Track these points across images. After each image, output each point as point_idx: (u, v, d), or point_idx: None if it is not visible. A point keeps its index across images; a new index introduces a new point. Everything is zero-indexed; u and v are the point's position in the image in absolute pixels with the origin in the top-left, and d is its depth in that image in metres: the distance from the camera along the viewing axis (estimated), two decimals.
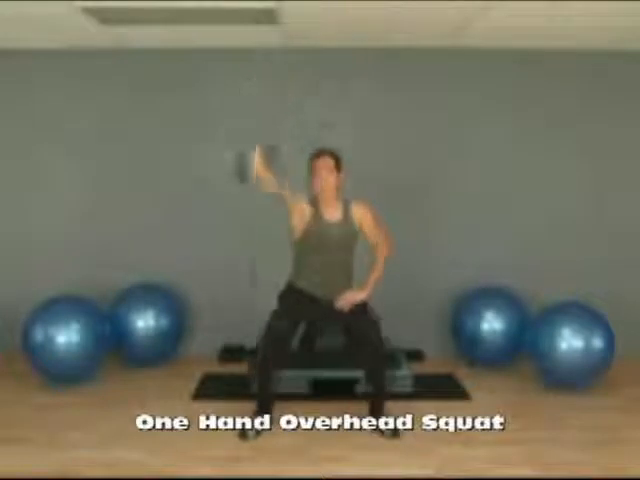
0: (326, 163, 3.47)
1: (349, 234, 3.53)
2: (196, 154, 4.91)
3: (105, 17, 4.01)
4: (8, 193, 4.95)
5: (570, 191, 4.94)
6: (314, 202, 3.54)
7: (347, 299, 3.50)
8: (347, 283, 3.58)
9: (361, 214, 3.57)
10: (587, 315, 4.06)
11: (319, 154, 3.50)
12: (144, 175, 4.93)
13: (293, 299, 3.58)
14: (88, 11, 3.88)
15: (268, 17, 4.01)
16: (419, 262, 4.96)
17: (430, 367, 4.69)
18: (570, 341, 3.96)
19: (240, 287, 4.98)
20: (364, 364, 3.58)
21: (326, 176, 3.46)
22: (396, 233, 4.92)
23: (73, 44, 4.71)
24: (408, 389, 4.12)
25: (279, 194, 3.44)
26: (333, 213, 3.53)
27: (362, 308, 3.57)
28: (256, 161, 3.35)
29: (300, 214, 3.48)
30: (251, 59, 4.83)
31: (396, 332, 4.91)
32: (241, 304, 4.98)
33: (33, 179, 4.93)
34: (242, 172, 3.14)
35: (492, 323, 4.46)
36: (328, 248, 3.49)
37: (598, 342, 3.97)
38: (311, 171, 3.51)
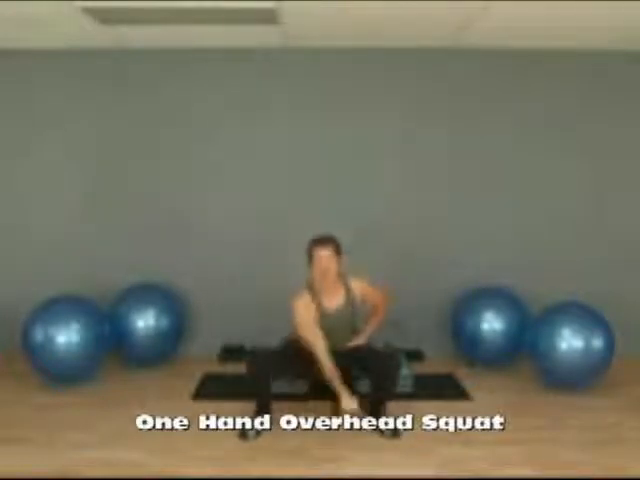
0: (326, 251, 3.50)
1: (350, 311, 3.67)
2: (196, 154, 4.91)
3: (105, 17, 4.01)
4: (8, 193, 4.95)
5: (570, 191, 4.94)
6: (313, 287, 3.61)
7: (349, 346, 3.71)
8: (350, 339, 3.75)
9: (360, 289, 3.71)
10: (587, 315, 4.05)
11: (318, 242, 3.53)
12: (144, 175, 4.92)
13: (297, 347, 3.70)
14: (88, 11, 3.88)
15: (268, 17, 4.01)
16: (419, 262, 4.96)
17: (430, 367, 4.69)
18: (570, 341, 3.96)
19: (240, 287, 4.98)
20: (376, 369, 3.54)
21: (327, 265, 3.50)
22: (396, 233, 4.95)
23: (73, 44, 4.71)
24: (408, 389, 4.12)
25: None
26: (333, 300, 3.64)
27: (364, 346, 3.73)
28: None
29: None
30: (251, 59, 4.83)
31: (396, 332, 4.92)
32: (241, 304, 4.98)
33: (33, 179, 4.94)
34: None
35: (492, 323, 4.45)
36: (331, 328, 3.61)
37: (598, 342, 3.96)
38: (310, 258, 3.55)
